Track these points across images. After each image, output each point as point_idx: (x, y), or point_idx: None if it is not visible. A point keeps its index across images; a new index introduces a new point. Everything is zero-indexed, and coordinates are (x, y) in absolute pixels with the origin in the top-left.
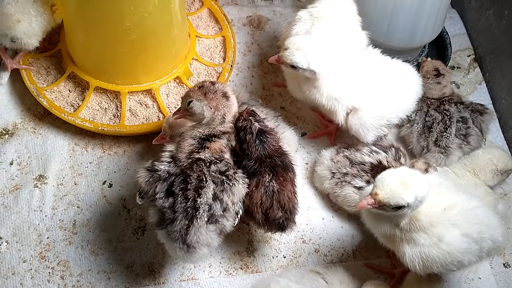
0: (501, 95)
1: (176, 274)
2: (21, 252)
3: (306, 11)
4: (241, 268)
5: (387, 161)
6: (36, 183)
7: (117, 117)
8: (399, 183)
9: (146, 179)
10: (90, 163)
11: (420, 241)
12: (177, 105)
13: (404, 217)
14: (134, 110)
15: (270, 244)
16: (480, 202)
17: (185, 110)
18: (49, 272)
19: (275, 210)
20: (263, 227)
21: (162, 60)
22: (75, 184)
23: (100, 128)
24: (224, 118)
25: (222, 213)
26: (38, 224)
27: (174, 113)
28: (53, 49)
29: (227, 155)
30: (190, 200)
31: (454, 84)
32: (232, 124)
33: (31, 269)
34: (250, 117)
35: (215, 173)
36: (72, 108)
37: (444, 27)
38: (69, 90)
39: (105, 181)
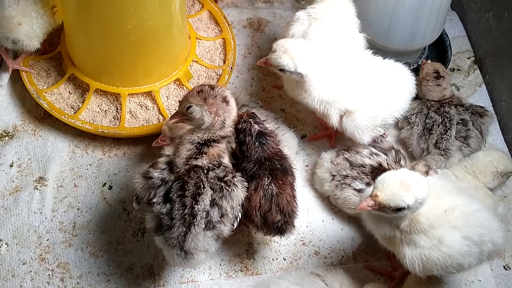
0: (501, 97)
1: (176, 277)
2: (21, 254)
3: (304, 11)
4: (241, 271)
5: (387, 163)
6: (36, 185)
7: (117, 119)
8: (399, 185)
9: (141, 186)
10: (90, 165)
11: (420, 243)
12: (177, 107)
13: (404, 219)
14: (134, 112)
15: (270, 246)
16: (481, 205)
17: (184, 114)
18: (49, 274)
19: (274, 213)
20: (262, 231)
21: (162, 62)
22: (75, 186)
23: (100, 130)
24: (224, 123)
25: (219, 219)
26: (38, 226)
27: (172, 117)
28: (54, 51)
29: (225, 159)
30: (188, 207)
31: (454, 86)
32: (231, 128)
33: (31, 271)
34: (250, 119)
35: (213, 179)
36: (72, 110)
37: (444, 29)
38: (69, 92)
39: (105, 183)
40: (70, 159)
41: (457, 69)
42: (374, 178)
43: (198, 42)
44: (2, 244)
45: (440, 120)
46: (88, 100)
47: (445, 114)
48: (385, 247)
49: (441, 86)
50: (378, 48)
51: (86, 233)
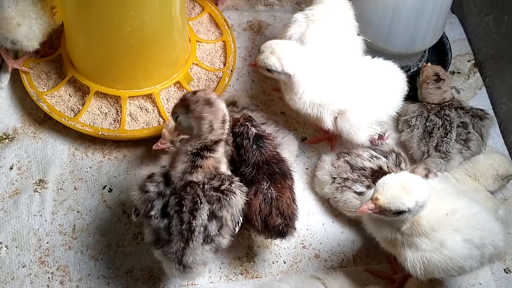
0: (501, 100)
1: (175, 280)
2: (21, 257)
3: (302, 13)
4: (241, 274)
5: (388, 167)
6: (36, 188)
7: (117, 122)
8: (400, 188)
9: (138, 198)
10: (90, 167)
11: (421, 246)
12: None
13: (405, 222)
14: (134, 114)
15: (270, 249)
16: (482, 208)
17: (177, 126)
18: (49, 277)
19: (274, 217)
20: (263, 234)
21: (162, 64)
22: (75, 188)
23: (100, 133)
24: (211, 125)
25: (217, 232)
26: (38, 229)
27: (174, 131)
28: (54, 53)
29: (223, 167)
30: (185, 222)
31: (454, 89)
32: (223, 131)
33: (30, 274)
34: (247, 123)
35: (209, 191)
36: (72, 112)
37: (444, 32)
38: (69, 94)
39: (105, 186)
40: (70, 161)
41: (457, 72)
42: (374, 181)
43: (199, 44)
44: (1, 247)
45: (440, 123)
46: (88, 102)
47: (445, 117)
48: (386, 250)
49: (441, 89)
50: (378, 51)
51: (86, 235)
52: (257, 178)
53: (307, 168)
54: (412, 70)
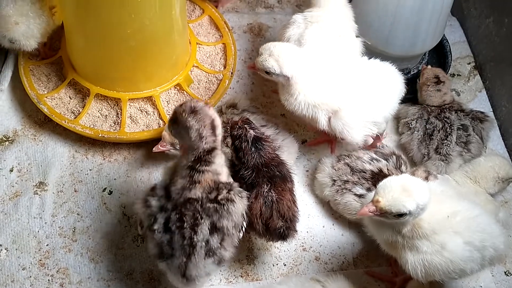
0: (501, 103)
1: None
2: (21, 260)
3: (301, 14)
4: (241, 276)
5: (388, 169)
6: (36, 190)
7: (117, 124)
8: (401, 191)
9: (141, 212)
10: (90, 170)
11: (422, 249)
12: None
13: (406, 224)
14: (134, 117)
15: (271, 252)
16: (482, 210)
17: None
18: (49, 280)
19: (275, 219)
20: (264, 237)
21: (162, 67)
22: (75, 191)
23: (100, 135)
24: (199, 133)
25: (219, 245)
26: (38, 231)
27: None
28: (54, 56)
29: (222, 178)
30: (187, 238)
31: (454, 92)
32: (214, 138)
33: (30, 276)
34: (245, 125)
35: (208, 204)
36: (72, 115)
37: (444, 34)
38: (69, 97)
39: (105, 188)
40: (70, 164)
41: (457, 75)
42: (374, 183)
43: (199, 47)
44: (1, 249)
45: (440, 126)
46: (88, 105)
47: (445, 119)
48: (386, 252)
49: (442, 91)
50: (378, 53)
51: (86, 238)
52: (257, 181)
53: (307, 171)
54: (412, 73)
